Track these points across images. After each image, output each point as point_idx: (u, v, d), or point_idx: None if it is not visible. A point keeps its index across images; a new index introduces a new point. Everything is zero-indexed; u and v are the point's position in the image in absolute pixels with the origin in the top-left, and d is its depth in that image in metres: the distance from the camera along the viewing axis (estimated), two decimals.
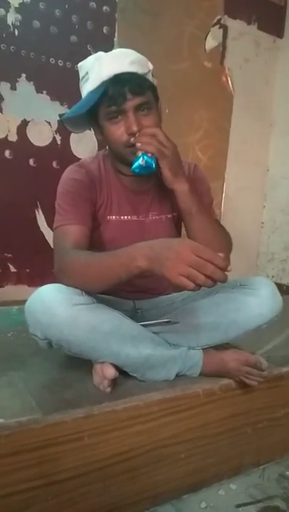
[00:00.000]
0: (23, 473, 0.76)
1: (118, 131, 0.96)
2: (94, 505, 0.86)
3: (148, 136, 0.93)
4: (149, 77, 0.99)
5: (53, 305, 0.83)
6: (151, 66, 1.00)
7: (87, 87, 0.96)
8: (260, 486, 1.05)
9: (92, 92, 0.95)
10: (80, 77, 1.00)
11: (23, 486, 0.77)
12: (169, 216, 1.13)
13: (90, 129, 1.11)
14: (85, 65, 0.98)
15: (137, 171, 0.96)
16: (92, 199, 1.04)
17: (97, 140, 1.09)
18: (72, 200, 1.00)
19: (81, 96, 1.01)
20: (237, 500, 1.00)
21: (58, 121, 1.03)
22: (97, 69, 0.94)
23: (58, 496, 0.81)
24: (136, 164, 0.95)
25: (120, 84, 0.92)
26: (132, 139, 0.94)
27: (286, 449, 1.19)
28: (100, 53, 0.96)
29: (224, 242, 1.03)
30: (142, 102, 0.94)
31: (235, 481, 1.06)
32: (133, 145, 0.95)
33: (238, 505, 0.98)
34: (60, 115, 1.03)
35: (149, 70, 0.99)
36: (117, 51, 0.98)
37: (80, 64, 1.00)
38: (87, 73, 0.96)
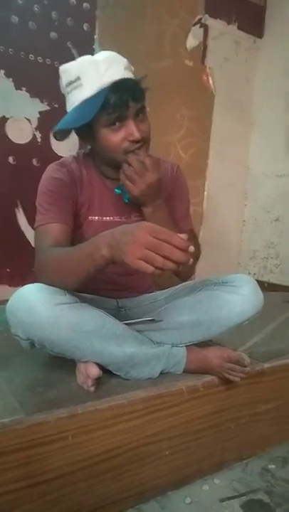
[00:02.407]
0: (7, 475, 0.75)
1: (117, 137, 0.95)
2: (79, 504, 0.86)
3: (136, 176, 0.95)
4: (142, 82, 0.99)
5: (35, 305, 0.82)
6: (132, 68, 1.00)
7: (81, 94, 0.94)
8: (244, 480, 1.07)
9: (90, 101, 0.92)
10: (67, 81, 0.96)
11: (7, 488, 0.76)
12: None
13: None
14: (74, 69, 0.95)
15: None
16: (73, 198, 1.03)
17: (81, 144, 1.08)
18: (53, 199, 0.99)
19: (62, 96, 0.99)
20: (221, 494, 1.01)
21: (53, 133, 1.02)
22: (94, 75, 0.92)
23: (42, 496, 0.80)
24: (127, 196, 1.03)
25: (122, 91, 0.91)
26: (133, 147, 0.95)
27: (268, 443, 1.21)
28: (92, 58, 0.94)
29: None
30: (140, 109, 0.95)
31: (219, 476, 1.07)
32: (131, 151, 0.96)
33: (222, 500, 0.99)
34: (55, 132, 1.01)
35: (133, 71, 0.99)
36: (107, 55, 0.96)
37: (65, 67, 0.97)
38: (78, 78, 0.93)
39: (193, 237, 1.10)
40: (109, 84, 0.91)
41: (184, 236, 0.70)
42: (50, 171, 1.04)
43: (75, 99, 0.96)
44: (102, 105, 0.91)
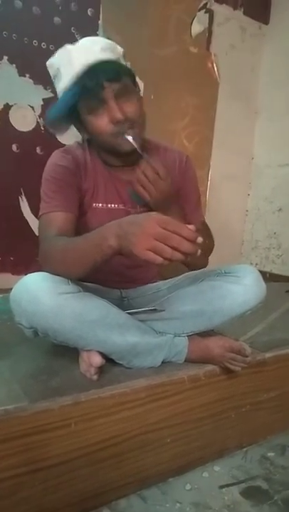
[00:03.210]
0: (10, 460, 0.77)
1: (102, 122, 0.93)
2: (81, 490, 0.87)
3: (150, 184, 0.94)
4: (122, 61, 0.96)
5: (39, 294, 0.82)
6: (121, 50, 0.97)
7: (61, 85, 0.93)
8: (243, 467, 1.08)
9: (68, 90, 0.91)
10: (52, 76, 0.96)
11: (10, 473, 0.77)
12: None
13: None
14: (54, 62, 0.94)
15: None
16: (77, 185, 1.02)
17: (82, 137, 1.07)
18: (57, 187, 0.98)
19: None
20: (220, 481, 1.02)
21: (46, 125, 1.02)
22: (68, 63, 0.90)
23: (45, 482, 0.82)
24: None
25: (95, 74, 0.88)
26: (121, 129, 0.93)
27: (268, 432, 1.22)
28: (67, 46, 0.92)
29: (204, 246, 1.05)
30: (119, 88, 0.92)
31: (219, 464, 1.09)
32: (120, 133, 0.93)
33: (222, 486, 1.00)
34: (47, 125, 1.01)
35: (120, 54, 0.96)
36: (84, 40, 0.94)
37: (48, 62, 0.96)
38: (58, 70, 0.93)
39: (206, 229, 1.09)
40: (82, 70, 0.88)
41: (192, 227, 0.70)
42: (55, 157, 1.03)
43: (59, 91, 0.95)
44: (80, 92, 0.90)
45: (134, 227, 0.71)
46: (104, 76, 0.89)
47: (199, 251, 0.70)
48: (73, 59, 0.90)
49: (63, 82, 0.92)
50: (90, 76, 0.88)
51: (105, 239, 0.77)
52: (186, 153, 1.17)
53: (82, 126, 1.00)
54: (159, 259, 0.68)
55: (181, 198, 1.12)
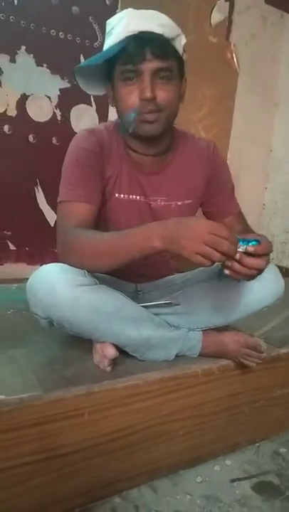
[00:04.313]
0: (24, 448, 0.78)
1: (131, 95, 0.88)
2: (93, 479, 0.88)
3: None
4: (178, 46, 0.91)
5: (56, 285, 0.82)
6: (181, 37, 0.93)
7: (108, 42, 0.90)
8: (255, 462, 1.08)
9: (112, 46, 0.88)
10: (106, 34, 0.92)
11: (24, 460, 0.78)
12: (179, 203, 1.06)
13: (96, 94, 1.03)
14: (112, 21, 0.91)
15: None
16: (101, 172, 0.97)
17: (110, 103, 1.02)
18: (82, 173, 0.94)
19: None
20: (232, 475, 1.02)
21: (72, 71, 0.96)
22: (122, 23, 0.87)
23: (57, 470, 0.83)
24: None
25: (142, 41, 0.84)
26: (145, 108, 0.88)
27: (281, 427, 1.21)
28: (130, 9, 0.89)
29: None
30: (161, 67, 0.87)
31: (231, 458, 1.09)
32: (142, 112, 0.89)
33: (233, 480, 1.00)
34: (75, 71, 0.96)
35: (178, 36, 0.91)
36: (149, 11, 0.90)
37: (108, 20, 0.93)
38: (112, 28, 0.89)
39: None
40: (131, 33, 0.85)
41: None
42: (80, 139, 0.97)
43: (105, 47, 0.92)
44: (122, 54, 0.86)
45: (185, 232, 0.73)
46: (150, 48, 0.85)
47: (238, 256, 0.75)
48: (129, 22, 0.86)
49: (111, 39, 0.89)
50: (135, 41, 0.85)
51: (149, 240, 0.77)
52: (213, 142, 1.13)
53: (112, 93, 0.95)
54: (208, 263, 0.72)
55: (215, 187, 1.11)
